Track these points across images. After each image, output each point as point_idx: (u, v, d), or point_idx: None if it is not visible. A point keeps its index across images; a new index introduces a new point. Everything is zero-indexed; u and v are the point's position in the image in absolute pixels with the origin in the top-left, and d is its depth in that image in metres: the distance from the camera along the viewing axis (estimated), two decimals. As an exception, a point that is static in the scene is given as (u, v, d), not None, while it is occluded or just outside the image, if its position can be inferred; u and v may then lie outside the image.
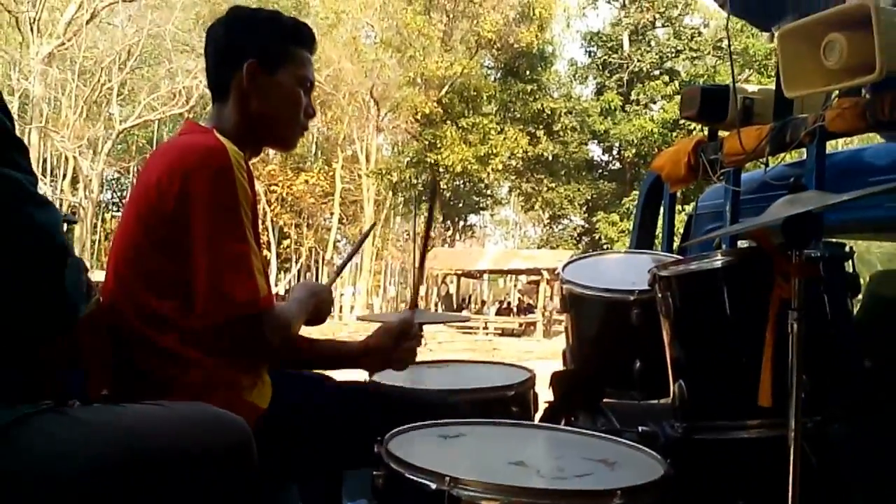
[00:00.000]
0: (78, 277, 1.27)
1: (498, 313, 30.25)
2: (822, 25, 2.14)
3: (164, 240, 1.58)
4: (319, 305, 1.83)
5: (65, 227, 1.32)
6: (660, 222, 3.60)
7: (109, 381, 1.65)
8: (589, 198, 32.99)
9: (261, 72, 1.77)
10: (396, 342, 1.89)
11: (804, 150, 2.48)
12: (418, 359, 2.74)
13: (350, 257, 2.73)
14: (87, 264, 1.56)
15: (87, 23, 24.98)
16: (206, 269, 1.55)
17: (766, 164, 2.62)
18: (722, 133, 2.93)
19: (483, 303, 35.39)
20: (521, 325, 27.70)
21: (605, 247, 30.32)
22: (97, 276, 1.84)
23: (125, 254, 1.66)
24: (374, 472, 1.43)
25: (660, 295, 2.04)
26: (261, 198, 28.95)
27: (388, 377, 2.27)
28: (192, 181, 1.55)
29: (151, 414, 1.39)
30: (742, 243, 2.76)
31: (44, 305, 1.22)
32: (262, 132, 1.83)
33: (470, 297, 36.67)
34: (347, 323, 22.64)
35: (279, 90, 1.80)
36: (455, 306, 31.10)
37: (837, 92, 2.32)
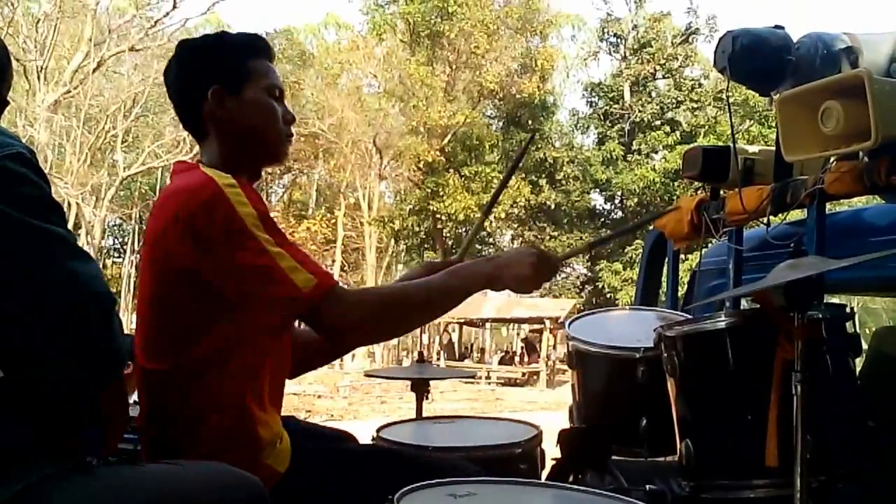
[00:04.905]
0: (121, 322, 1.33)
1: (501, 362, 30.03)
2: (820, 93, 2.21)
3: (191, 290, 1.59)
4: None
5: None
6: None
7: (123, 438, 1.68)
8: (591, 246, 32.88)
9: (227, 95, 1.75)
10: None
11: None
12: (424, 414, 2.77)
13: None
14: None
15: (94, 71, 25.19)
16: (245, 293, 1.57)
17: (768, 224, 2.67)
18: (724, 192, 2.99)
19: (484, 351, 35.20)
20: (524, 374, 27.51)
21: (608, 295, 30.24)
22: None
23: (153, 315, 1.68)
24: (386, 532, 1.45)
25: (665, 354, 2.07)
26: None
27: (395, 433, 2.30)
28: (193, 221, 1.55)
29: (170, 473, 1.42)
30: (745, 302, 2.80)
31: (94, 353, 1.27)
32: (248, 152, 1.80)
33: (472, 345, 36.45)
34: (349, 372, 22.47)
35: (250, 106, 1.77)
36: (457, 355, 30.89)
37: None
